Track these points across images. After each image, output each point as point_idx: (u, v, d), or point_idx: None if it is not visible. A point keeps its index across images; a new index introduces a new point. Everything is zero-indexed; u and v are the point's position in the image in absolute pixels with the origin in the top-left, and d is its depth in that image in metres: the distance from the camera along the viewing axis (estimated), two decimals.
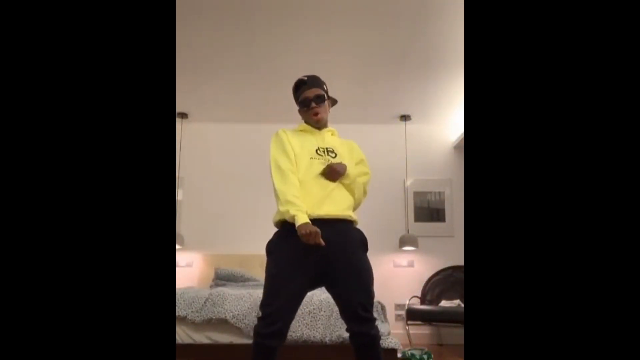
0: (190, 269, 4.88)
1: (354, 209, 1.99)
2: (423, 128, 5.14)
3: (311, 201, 1.79)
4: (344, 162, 1.91)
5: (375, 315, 3.11)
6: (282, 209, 1.74)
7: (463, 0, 1.97)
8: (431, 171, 5.06)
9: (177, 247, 4.68)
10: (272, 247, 1.81)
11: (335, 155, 1.92)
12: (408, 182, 5.03)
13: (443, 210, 4.96)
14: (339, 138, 2.06)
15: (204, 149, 5.17)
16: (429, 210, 4.97)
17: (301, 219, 1.69)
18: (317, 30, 3.33)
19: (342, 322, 3.01)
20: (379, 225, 4.87)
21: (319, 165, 1.86)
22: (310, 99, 1.95)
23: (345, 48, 3.57)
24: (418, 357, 3.43)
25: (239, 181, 5.05)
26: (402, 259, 4.86)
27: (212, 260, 4.79)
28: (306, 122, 2.00)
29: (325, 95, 2.00)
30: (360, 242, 1.87)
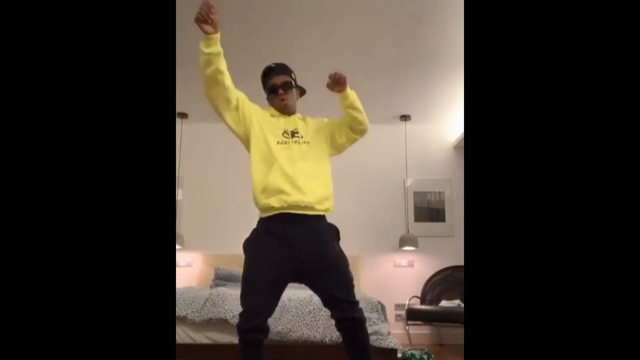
0: (190, 269, 4.88)
1: (360, 131, 2.05)
2: (423, 128, 5.14)
3: (282, 186, 1.80)
4: (309, 140, 1.94)
5: (374, 314, 3.11)
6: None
7: (463, 1, 1.97)
8: (431, 171, 5.05)
9: (177, 247, 4.68)
10: (248, 245, 1.88)
11: (302, 136, 1.94)
12: (408, 182, 5.03)
13: (443, 210, 4.95)
14: (309, 121, 2.05)
15: (204, 149, 5.17)
16: (429, 210, 4.97)
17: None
18: (318, 31, 3.33)
19: None
20: (379, 225, 4.87)
21: (285, 150, 1.88)
22: (278, 86, 1.97)
23: (346, 48, 3.57)
24: (418, 357, 3.43)
25: (239, 181, 5.04)
26: (402, 259, 4.86)
27: (212, 260, 4.79)
28: (276, 108, 2.01)
29: (293, 83, 2.02)
30: (330, 234, 1.87)
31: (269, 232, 1.83)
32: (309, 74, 3.97)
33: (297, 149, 1.90)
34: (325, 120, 2.08)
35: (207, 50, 1.69)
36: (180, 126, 5.09)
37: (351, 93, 1.96)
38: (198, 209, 5.01)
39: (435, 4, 3.01)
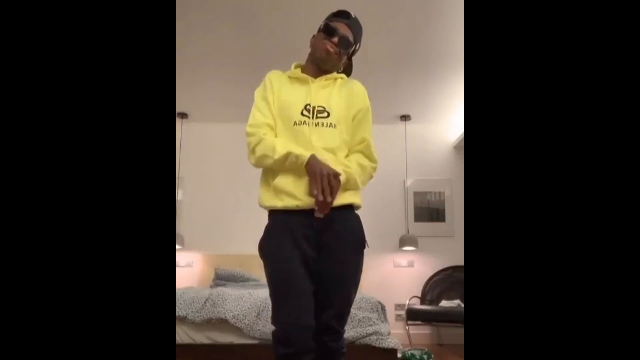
0: (190, 269, 4.88)
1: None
2: (423, 128, 5.14)
3: (299, 183, 1.45)
4: (335, 122, 1.51)
5: (374, 314, 3.10)
6: (276, 157, 1.42)
7: (463, 1, 1.98)
8: (431, 171, 5.06)
9: (177, 247, 4.68)
10: (266, 252, 1.49)
11: (328, 115, 1.52)
12: (408, 182, 5.03)
13: (443, 210, 4.96)
14: (340, 86, 1.61)
15: (204, 149, 5.17)
16: (429, 210, 4.97)
17: (303, 154, 1.40)
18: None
19: None
20: (379, 225, 4.87)
21: (304, 133, 1.49)
22: (339, 33, 1.58)
23: None
24: (418, 357, 3.43)
25: (239, 181, 5.04)
26: (402, 259, 4.86)
27: (212, 260, 4.79)
28: (312, 52, 1.64)
29: (351, 50, 1.66)
30: (356, 240, 1.55)
31: (288, 229, 1.46)
32: None
33: (316, 136, 1.49)
34: (362, 99, 1.60)
35: (277, 160, 1.44)
36: (180, 126, 5.09)
37: (348, 179, 1.49)
38: (198, 209, 5.01)
39: (435, 4, 3.01)
